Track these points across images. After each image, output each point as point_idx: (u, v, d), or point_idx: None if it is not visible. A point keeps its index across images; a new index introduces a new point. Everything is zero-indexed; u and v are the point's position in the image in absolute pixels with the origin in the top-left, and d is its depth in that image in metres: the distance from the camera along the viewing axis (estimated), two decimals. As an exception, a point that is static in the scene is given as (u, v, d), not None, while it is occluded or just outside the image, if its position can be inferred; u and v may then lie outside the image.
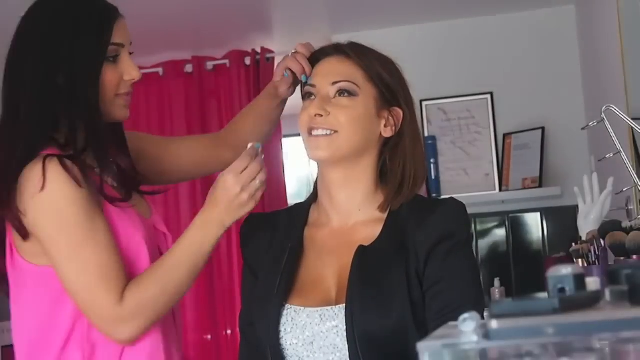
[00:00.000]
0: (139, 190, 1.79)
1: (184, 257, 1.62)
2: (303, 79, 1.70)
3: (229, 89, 4.46)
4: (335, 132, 1.59)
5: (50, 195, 1.56)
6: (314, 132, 1.60)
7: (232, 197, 1.60)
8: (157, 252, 1.71)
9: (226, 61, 4.47)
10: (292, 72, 1.77)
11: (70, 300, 1.62)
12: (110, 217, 1.64)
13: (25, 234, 1.60)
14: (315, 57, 1.70)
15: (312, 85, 1.65)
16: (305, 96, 1.66)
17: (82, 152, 1.62)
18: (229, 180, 1.60)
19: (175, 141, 2.07)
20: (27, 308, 1.66)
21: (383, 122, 1.64)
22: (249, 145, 1.63)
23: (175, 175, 1.98)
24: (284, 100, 1.95)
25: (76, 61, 1.62)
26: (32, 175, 1.56)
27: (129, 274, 1.63)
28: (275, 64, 4.38)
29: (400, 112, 1.65)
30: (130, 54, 1.72)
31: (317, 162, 1.64)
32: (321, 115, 1.59)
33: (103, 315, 1.59)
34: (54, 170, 1.56)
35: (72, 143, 1.62)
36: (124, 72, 1.68)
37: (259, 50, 4.41)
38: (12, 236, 1.64)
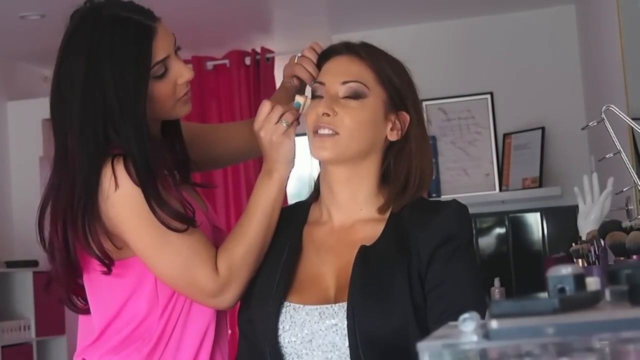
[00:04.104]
0: (192, 183, 1.80)
1: (256, 210, 1.65)
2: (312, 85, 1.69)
3: (229, 89, 4.47)
4: (337, 133, 1.58)
5: (125, 192, 1.57)
6: (320, 131, 1.59)
7: (270, 137, 1.63)
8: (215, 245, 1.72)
9: (226, 61, 4.48)
10: (299, 80, 1.76)
11: (145, 290, 1.64)
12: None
13: (110, 263, 1.61)
14: (325, 55, 1.69)
15: (321, 83, 1.64)
16: (313, 94, 1.65)
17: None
18: (264, 125, 1.63)
19: (222, 128, 2.13)
20: (105, 300, 1.67)
21: (390, 125, 1.63)
22: (298, 99, 1.64)
23: (225, 160, 2.09)
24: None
25: (119, 91, 1.59)
26: (103, 179, 1.57)
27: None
28: (275, 64, 4.42)
29: (408, 117, 1.64)
30: (178, 49, 1.69)
31: (320, 161, 1.64)
32: (328, 115, 1.58)
33: (206, 290, 1.62)
34: (122, 168, 1.57)
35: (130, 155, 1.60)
36: (177, 78, 1.66)
37: (259, 50, 4.41)
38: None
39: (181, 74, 1.66)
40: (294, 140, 1.65)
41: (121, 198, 1.57)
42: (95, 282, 1.67)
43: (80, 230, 1.58)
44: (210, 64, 4.49)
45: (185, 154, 1.79)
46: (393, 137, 1.64)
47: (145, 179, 1.58)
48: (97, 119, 1.59)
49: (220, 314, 1.74)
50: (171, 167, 1.71)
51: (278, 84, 4.77)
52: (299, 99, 1.64)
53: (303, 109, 1.63)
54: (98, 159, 1.58)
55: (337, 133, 1.58)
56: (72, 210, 1.58)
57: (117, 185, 1.57)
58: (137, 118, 1.60)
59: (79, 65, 1.60)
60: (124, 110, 1.60)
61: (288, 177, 1.68)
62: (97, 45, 1.60)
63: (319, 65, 1.69)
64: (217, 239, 1.73)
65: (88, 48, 1.60)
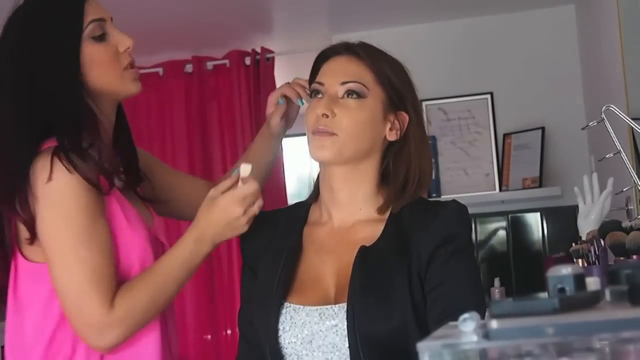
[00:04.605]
0: (138, 193, 1.78)
1: (175, 270, 1.63)
2: (299, 103, 1.70)
3: (229, 89, 4.46)
4: (335, 135, 1.58)
5: (56, 188, 1.55)
6: (319, 131, 1.60)
7: (231, 219, 1.61)
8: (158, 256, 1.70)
9: (226, 61, 4.47)
10: (287, 99, 1.77)
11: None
12: (114, 217, 1.64)
13: (34, 235, 1.59)
14: (324, 55, 1.68)
15: (320, 84, 1.63)
16: (313, 94, 1.65)
17: (80, 144, 1.60)
18: (233, 204, 1.61)
19: (181, 176, 2.04)
20: (23, 305, 1.65)
21: (389, 125, 1.63)
22: (244, 168, 1.63)
23: (170, 209, 1.93)
24: (281, 137, 1.96)
25: (53, 54, 1.61)
26: (39, 167, 1.56)
27: (130, 275, 1.63)
28: (275, 64, 4.41)
29: (407, 117, 1.64)
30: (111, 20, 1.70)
31: (320, 162, 1.64)
32: (327, 116, 1.58)
33: (90, 320, 1.57)
34: (61, 164, 1.55)
35: (70, 136, 1.59)
36: (118, 45, 1.66)
37: (259, 50, 4.41)
38: (15, 240, 1.63)
39: (122, 41, 1.67)
40: None
41: (51, 191, 1.55)
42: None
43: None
44: (210, 64, 4.48)
45: (134, 162, 1.77)
46: (392, 137, 1.64)
47: (83, 167, 1.56)
48: (35, 96, 1.60)
49: None
50: (116, 169, 1.68)
51: (278, 84, 4.76)
52: (244, 168, 1.64)
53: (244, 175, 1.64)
54: (30, 150, 1.57)
55: (335, 134, 1.58)
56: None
57: (50, 178, 1.54)
58: (73, 86, 1.60)
59: (10, 41, 1.64)
60: (57, 76, 1.59)
61: None
62: (30, 15, 1.63)
63: (318, 66, 1.69)
64: (157, 252, 1.71)
65: (23, 21, 1.63)
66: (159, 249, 1.73)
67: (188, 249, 1.63)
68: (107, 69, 1.65)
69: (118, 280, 1.61)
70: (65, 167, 1.54)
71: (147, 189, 1.82)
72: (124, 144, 1.77)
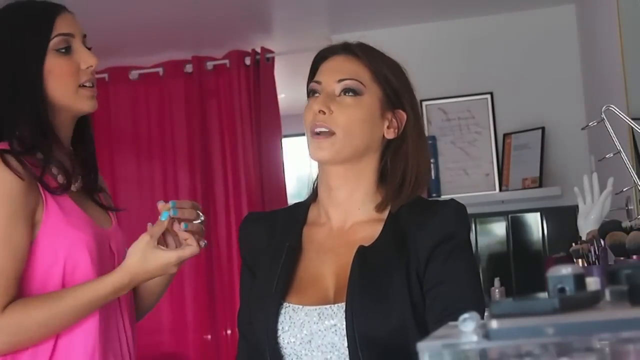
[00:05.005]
0: (98, 202, 1.81)
1: (81, 304, 1.62)
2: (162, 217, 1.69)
3: (229, 89, 4.47)
4: (333, 133, 1.59)
5: None
6: (317, 130, 1.60)
7: (168, 271, 1.68)
8: (104, 263, 1.72)
9: (226, 61, 4.48)
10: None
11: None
12: (50, 217, 1.65)
13: None
14: (322, 55, 1.69)
15: (318, 82, 1.64)
16: (310, 93, 1.66)
17: (31, 148, 1.65)
18: (174, 262, 1.66)
19: None
20: None
21: (386, 123, 1.64)
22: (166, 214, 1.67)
23: None
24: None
25: (18, 60, 1.66)
26: None
27: (69, 274, 1.64)
28: (275, 64, 4.41)
29: (404, 115, 1.65)
30: (89, 48, 1.73)
31: (319, 162, 1.64)
32: (324, 113, 1.59)
33: None
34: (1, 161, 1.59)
35: (20, 140, 1.64)
36: (80, 62, 1.70)
37: (259, 50, 4.41)
38: None
39: (85, 59, 1.70)
40: None
41: None
42: None
43: None
44: (210, 64, 4.48)
45: (92, 171, 1.80)
46: (390, 135, 1.64)
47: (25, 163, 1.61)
48: None
49: (107, 322, 1.72)
50: (67, 173, 1.71)
51: (278, 84, 4.74)
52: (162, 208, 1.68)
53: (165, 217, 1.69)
54: None
55: (333, 132, 1.58)
56: None
57: None
58: (34, 94, 1.64)
59: None
60: (20, 85, 1.64)
61: None
62: (3, 20, 1.69)
63: (316, 66, 1.69)
64: (104, 256, 1.73)
65: None
66: (106, 252, 1.74)
67: (108, 289, 1.64)
68: (64, 82, 1.69)
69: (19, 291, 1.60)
70: (5, 163, 1.59)
71: (106, 198, 1.86)
72: (82, 154, 1.78)
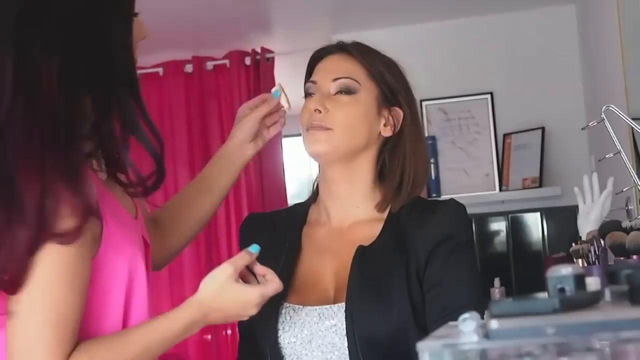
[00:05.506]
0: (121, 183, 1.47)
1: (151, 347, 1.34)
2: (274, 95, 1.69)
3: (229, 89, 4.47)
4: (331, 129, 1.59)
5: None
6: (312, 128, 1.60)
7: (243, 315, 1.42)
8: (147, 262, 1.44)
9: (226, 61, 4.48)
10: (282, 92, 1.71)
11: None
12: (109, 227, 1.34)
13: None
14: (317, 55, 1.70)
15: (313, 82, 1.65)
16: (306, 93, 1.66)
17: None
18: (255, 300, 1.40)
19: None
20: None
21: (383, 121, 1.64)
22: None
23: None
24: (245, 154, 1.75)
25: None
26: None
27: (110, 296, 1.36)
28: (275, 64, 4.41)
29: (401, 112, 1.65)
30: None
31: (316, 157, 1.64)
32: (320, 112, 1.59)
33: None
34: None
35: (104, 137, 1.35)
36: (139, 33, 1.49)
37: (259, 50, 4.41)
38: None
39: (145, 30, 1.52)
40: None
41: None
42: None
43: None
44: (210, 64, 4.49)
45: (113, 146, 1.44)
46: (387, 132, 1.64)
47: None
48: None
49: None
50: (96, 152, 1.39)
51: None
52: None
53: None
54: None
55: (330, 129, 1.59)
56: None
57: None
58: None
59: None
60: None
61: None
62: None
63: (312, 67, 1.70)
64: (147, 258, 1.44)
65: None
66: (146, 251, 1.45)
67: (179, 326, 1.36)
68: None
69: (99, 308, 1.34)
70: None
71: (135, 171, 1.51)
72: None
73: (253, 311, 1.41)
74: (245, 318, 1.44)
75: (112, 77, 1.34)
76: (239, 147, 1.74)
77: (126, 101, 1.36)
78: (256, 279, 1.45)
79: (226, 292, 1.39)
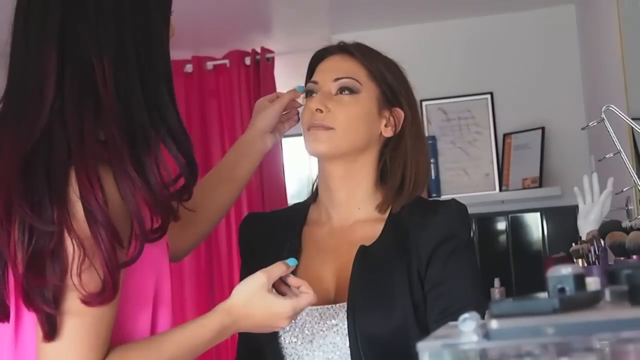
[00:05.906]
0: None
1: (183, 353, 1.32)
2: (299, 89, 1.70)
3: (229, 89, 4.46)
4: (332, 129, 1.59)
5: None
6: (313, 127, 1.60)
7: (274, 326, 1.40)
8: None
9: (226, 61, 4.47)
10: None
11: None
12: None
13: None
14: (319, 56, 1.70)
15: (315, 82, 1.65)
16: (307, 93, 1.67)
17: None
18: (287, 313, 1.38)
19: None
20: None
21: (384, 121, 1.64)
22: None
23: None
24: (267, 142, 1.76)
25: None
26: None
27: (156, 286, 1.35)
28: (275, 64, 4.41)
29: (402, 113, 1.65)
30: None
31: (316, 156, 1.64)
32: (321, 111, 1.59)
33: None
34: None
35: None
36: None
37: (259, 50, 4.41)
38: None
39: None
40: None
41: None
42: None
43: None
44: (210, 64, 4.48)
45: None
46: (388, 133, 1.65)
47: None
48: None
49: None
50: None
51: (278, 84, 4.72)
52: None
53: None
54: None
55: (332, 128, 1.59)
56: None
57: None
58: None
59: None
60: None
61: None
62: None
63: (313, 67, 1.70)
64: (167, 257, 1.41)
65: None
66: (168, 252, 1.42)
67: (211, 332, 1.35)
68: None
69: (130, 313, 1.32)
70: None
71: None
72: None
73: (284, 323, 1.39)
74: (277, 329, 1.43)
75: (154, 75, 1.37)
76: (260, 136, 1.75)
77: (165, 99, 1.38)
78: (291, 290, 1.43)
79: (258, 300, 1.37)
